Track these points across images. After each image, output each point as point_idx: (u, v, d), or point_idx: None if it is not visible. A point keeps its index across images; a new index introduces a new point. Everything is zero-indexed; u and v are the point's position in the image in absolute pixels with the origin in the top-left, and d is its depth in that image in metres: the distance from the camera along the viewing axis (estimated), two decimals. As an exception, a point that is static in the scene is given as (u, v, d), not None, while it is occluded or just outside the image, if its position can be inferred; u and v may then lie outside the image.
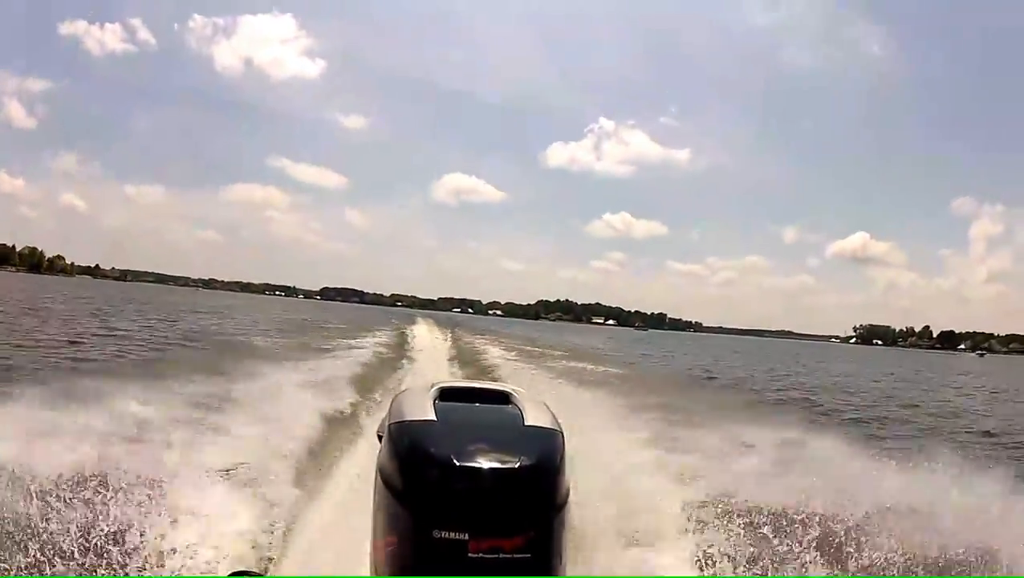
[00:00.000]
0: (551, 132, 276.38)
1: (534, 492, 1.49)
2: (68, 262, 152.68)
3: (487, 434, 1.56)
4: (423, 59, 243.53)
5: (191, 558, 3.10)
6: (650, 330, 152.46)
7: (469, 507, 1.43)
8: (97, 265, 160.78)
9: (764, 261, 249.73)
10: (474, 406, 1.75)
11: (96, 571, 2.92)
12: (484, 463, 1.46)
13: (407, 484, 1.49)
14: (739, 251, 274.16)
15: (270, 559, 3.30)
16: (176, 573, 2.94)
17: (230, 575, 1.71)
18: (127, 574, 2.87)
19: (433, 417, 1.59)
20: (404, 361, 14.69)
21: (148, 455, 4.15)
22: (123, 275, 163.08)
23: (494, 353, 17.23)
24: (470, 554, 1.41)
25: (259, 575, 1.88)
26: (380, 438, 1.69)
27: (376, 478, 1.59)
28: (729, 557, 3.69)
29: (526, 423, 1.63)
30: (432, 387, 1.78)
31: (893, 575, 3.51)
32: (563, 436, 1.62)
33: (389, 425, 1.63)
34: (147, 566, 2.97)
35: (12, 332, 16.30)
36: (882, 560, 3.70)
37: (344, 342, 16.42)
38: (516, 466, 1.47)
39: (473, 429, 1.58)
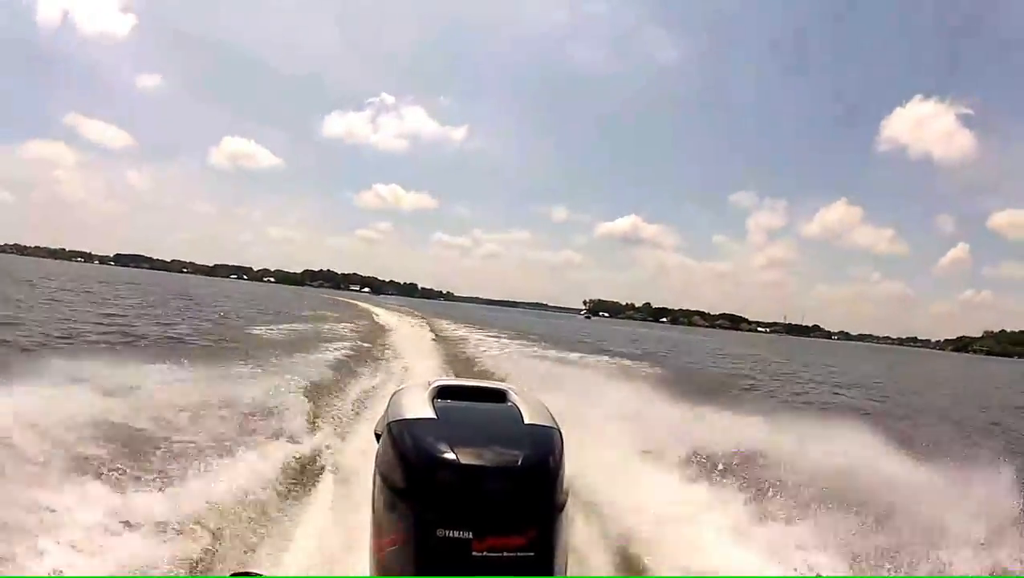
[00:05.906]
0: (331, 101, 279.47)
1: (537, 490, 1.50)
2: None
3: (489, 432, 1.57)
4: (222, 23, 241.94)
5: (189, 559, 3.04)
6: (398, 297, 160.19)
7: (474, 506, 1.44)
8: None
9: (531, 236, 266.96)
10: (473, 404, 1.76)
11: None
12: (488, 461, 1.47)
13: (410, 482, 1.48)
14: (506, 226, 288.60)
15: (270, 559, 3.24)
16: (176, 573, 2.88)
17: (230, 575, 1.70)
18: (127, 575, 2.81)
19: (433, 415, 1.60)
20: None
21: (145, 443, 4.28)
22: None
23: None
24: (474, 553, 1.41)
25: (259, 575, 1.79)
26: (378, 437, 1.69)
27: (375, 477, 1.58)
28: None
29: (525, 421, 1.63)
30: (429, 385, 1.79)
31: (896, 575, 3.56)
32: (561, 434, 1.63)
33: (389, 423, 1.62)
34: (146, 566, 2.91)
35: None
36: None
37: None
38: (519, 464, 1.48)
39: (474, 427, 1.59)
